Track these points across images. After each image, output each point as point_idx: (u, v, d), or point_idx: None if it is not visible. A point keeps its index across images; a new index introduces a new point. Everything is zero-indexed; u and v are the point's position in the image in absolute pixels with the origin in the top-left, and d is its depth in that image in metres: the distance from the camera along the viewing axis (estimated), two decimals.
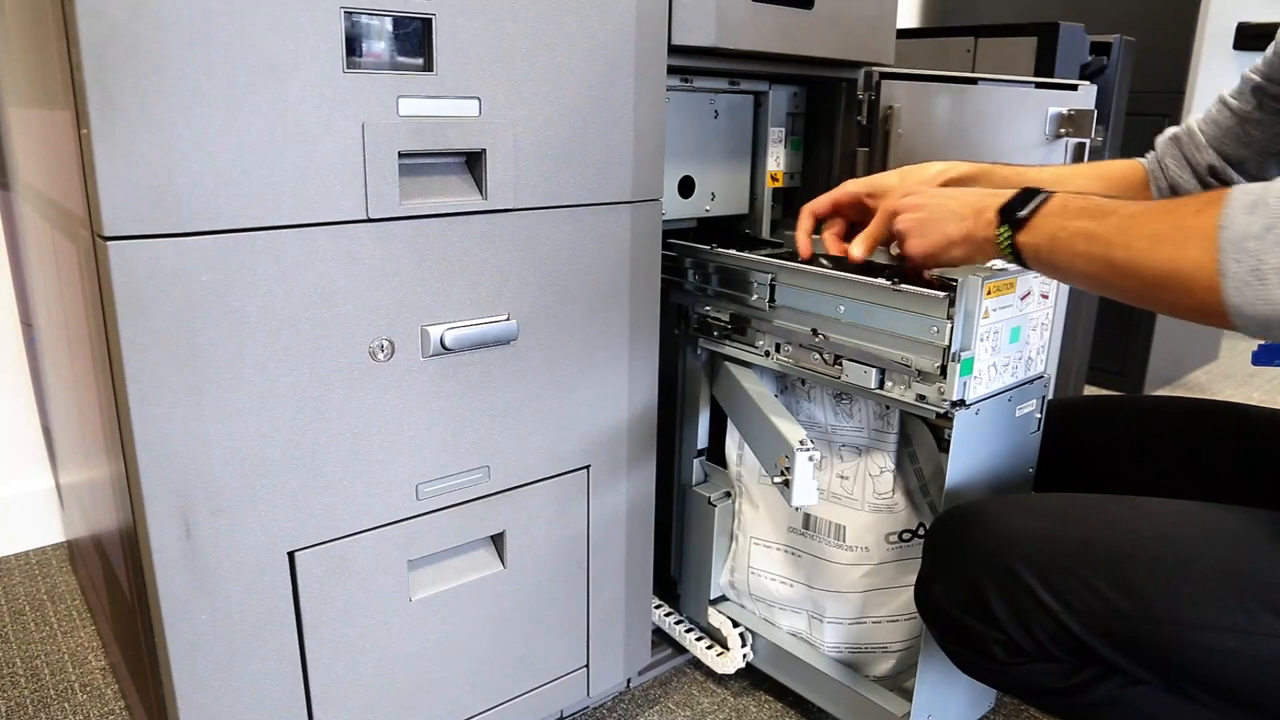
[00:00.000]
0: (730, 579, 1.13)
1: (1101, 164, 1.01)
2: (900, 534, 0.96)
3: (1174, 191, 0.93)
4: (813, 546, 1.01)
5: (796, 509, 1.03)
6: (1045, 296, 0.89)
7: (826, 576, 1.00)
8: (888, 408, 0.94)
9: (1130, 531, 0.72)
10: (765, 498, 1.06)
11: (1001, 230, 0.74)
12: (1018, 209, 0.73)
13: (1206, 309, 0.59)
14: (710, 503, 1.11)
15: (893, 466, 0.94)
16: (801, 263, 0.94)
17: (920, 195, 0.83)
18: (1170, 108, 2.05)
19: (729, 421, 1.08)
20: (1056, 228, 0.71)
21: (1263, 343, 0.93)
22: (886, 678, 1.01)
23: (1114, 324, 2.20)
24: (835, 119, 1.19)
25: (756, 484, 1.07)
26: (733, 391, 1.04)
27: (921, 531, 0.96)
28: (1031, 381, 0.91)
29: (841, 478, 0.98)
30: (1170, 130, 0.96)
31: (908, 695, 0.95)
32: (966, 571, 0.76)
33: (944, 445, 0.89)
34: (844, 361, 0.91)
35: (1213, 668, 0.66)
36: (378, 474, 0.78)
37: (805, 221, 0.98)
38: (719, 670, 1.12)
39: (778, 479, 0.90)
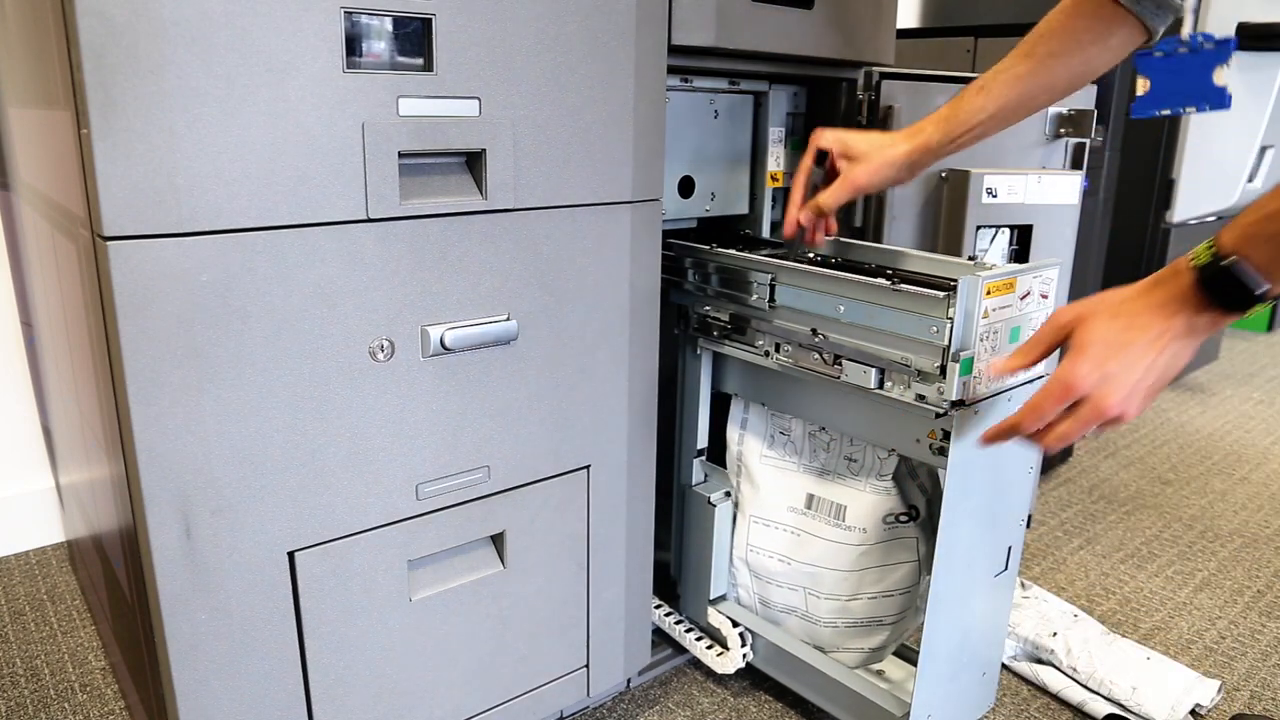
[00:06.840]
0: (737, 555, 1.13)
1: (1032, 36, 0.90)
2: (898, 516, 0.96)
3: None
4: (812, 526, 1.02)
5: None
6: (1045, 296, 0.88)
7: (825, 554, 1.01)
8: None
9: None
10: (765, 478, 1.07)
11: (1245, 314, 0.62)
12: (1233, 293, 0.61)
13: None
14: (710, 503, 1.11)
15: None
16: (801, 263, 0.94)
17: (1090, 345, 0.68)
18: None
19: (730, 406, 1.09)
20: None
21: (1140, 95, 0.87)
22: (881, 648, 1.02)
23: None
24: (835, 119, 1.19)
25: (758, 464, 1.07)
26: None
27: (916, 515, 0.96)
28: (1031, 381, 0.91)
29: (849, 459, 0.98)
30: None
31: (908, 695, 0.95)
32: None
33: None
34: (844, 361, 0.91)
35: None
36: (378, 474, 0.78)
37: (797, 195, 1.02)
38: (719, 670, 1.12)
39: None
